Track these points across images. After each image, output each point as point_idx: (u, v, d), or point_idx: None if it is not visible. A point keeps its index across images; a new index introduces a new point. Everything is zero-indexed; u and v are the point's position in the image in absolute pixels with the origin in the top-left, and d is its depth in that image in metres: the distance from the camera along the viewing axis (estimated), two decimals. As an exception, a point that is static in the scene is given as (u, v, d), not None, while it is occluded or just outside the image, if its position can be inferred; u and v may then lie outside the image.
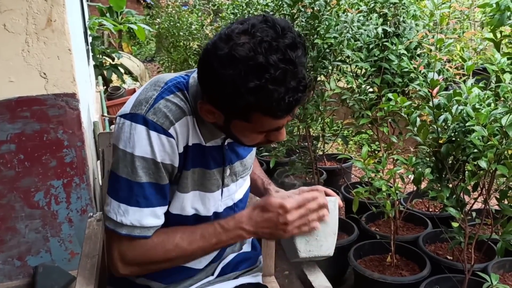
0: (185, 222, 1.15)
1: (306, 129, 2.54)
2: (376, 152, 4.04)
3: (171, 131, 1.04)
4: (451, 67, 2.20)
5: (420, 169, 1.83)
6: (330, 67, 2.46)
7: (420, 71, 2.08)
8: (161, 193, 1.08)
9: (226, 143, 1.16)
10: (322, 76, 2.58)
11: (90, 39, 4.94)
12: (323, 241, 1.17)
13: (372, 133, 2.62)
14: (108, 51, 5.55)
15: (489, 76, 2.05)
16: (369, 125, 2.43)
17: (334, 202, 1.18)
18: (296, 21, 2.32)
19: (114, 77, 5.72)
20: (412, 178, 2.13)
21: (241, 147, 1.22)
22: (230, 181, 1.21)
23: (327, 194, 1.21)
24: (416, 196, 2.89)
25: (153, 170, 1.04)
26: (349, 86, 2.51)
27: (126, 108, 1.07)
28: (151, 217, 1.07)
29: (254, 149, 1.33)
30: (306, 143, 2.86)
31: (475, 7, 3.36)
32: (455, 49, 2.21)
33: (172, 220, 1.14)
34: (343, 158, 3.28)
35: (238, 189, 1.26)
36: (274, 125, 0.99)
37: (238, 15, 3.35)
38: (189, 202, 1.14)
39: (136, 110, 1.04)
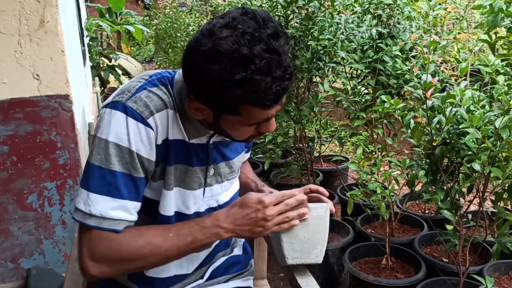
0: (168, 221, 1.13)
1: (301, 130, 2.53)
2: (373, 153, 4.03)
3: (150, 121, 1.02)
4: (446, 69, 2.20)
5: (414, 172, 1.82)
6: (325, 69, 2.45)
7: (414, 72, 2.07)
8: (134, 187, 1.03)
9: (211, 142, 1.14)
10: (317, 77, 2.57)
11: (87, 40, 4.93)
12: (311, 248, 1.16)
13: (367, 134, 2.61)
14: (106, 52, 5.54)
15: (480, 77, 2.05)
16: (364, 126, 2.42)
17: (326, 208, 1.16)
18: (291, 23, 2.31)
19: (111, 78, 5.70)
20: (401, 177, 2.13)
21: (227, 148, 1.20)
22: (214, 181, 1.19)
23: (319, 200, 1.20)
24: (412, 198, 2.89)
25: (127, 160, 1.01)
26: (344, 87, 2.50)
27: (109, 98, 1.07)
28: (121, 210, 1.01)
29: (243, 153, 1.31)
30: (301, 145, 2.85)
31: (470, 9, 3.35)
32: (452, 50, 2.20)
33: (160, 221, 1.12)
34: (339, 159, 3.27)
35: (223, 192, 1.24)
36: (263, 116, 0.99)
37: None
38: (172, 200, 1.12)
39: (117, 98, 1.04)
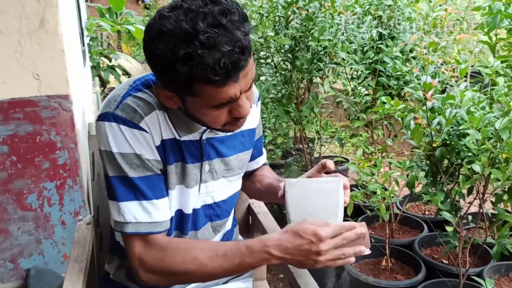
0: (174, 221, 1.14)
1: (301, 131, 2.53)
2: (373, 154, 4.03)
3: (142, 124, 1.03)
4: (446, 70, 2.19)
5: (414, 173, 1.82)
6: (326, 69, 2.45)
7: (414, 73, 2.07)
8: (155, 186, 1.06)
9: (204, 138, 1.14)
10: (317, 78, 2.57)
11: (87, 40, 4.93)
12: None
13: (368, 135, 2.61)
14: (106, 52, 5.54)
15: (481, 78, 2.04)
16: (365, 127, 2.42)
17: (338, 182, 1.08)
18: (291, 23, 2.31)
19: (111, 78, 5.70)
20: (400, 179, 2.13)
21: (222, 145, 1.18)
22: (210, 178, 1.18)
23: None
24: (412, 199, 2.88)
25: (137, 164, 1.03)
26: (344, 88, 2.50)
27: (99, 111, 1.08)
28: (153, 211, 1.05)
29: (245, 152, 1.28)
30: (301, 145, 2.85)
31: (469, 10, 3.35)
32: (452, 51, 2.20)
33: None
34: (339, 160, 3.27)
35: (220, 189, 1.22)
36: (222, 95, 0.94)
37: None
38: (175, 198, 1.13)
39: (105, 110, 1.04)
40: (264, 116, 2.44)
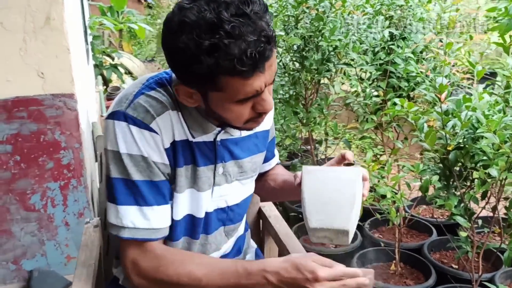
0: (182, 225, 1.11)
1: (309, 132, 2.49)
2: (378, 156, 4.00)
3: (153, 125, 0.99)
4: (458, 71, 2.16)
5: (427, 177, 1.78)
6: (334, 70, 2.41)
7: (427, 75, 2.03)
8: (158, 191, 1.02)
9: (219, 140, 1.10)
10: (325, 78, 2.53)
11: (90, 38, 4.89)
12: (337, 211, 1.00)
13: (376, 137, 2.57)
14: (108, 50, 5.50)
15: (497, 81, 2.00)
16: (373, 129, 2.38)
17: (357, 172, 1.03)
18: (300, 23, 2.26)
19: (114, 77, 5.66)
20: (418, 184, 2.09)
21: (236, 146, 1.15)
22: (224, 181, 1.14)
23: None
24: (420, 202, 2.85)
25: (143, 166, 1.00)
26: (353, 89, 2.46)
27: (110, 108, 1.04)
28: (153, 218, 1.02)
29: (258, 155, 1.24)
30: (309, 147, 2.81)
31: (477, 12, 3.32)
32: (459, 53, 2.16)
33: (175, 227, 1.09)
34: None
35: (233, 192, 1.19)
36: (248, 89, 0.90)
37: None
38: (185, 202, 1.09)
39: (117, 108, 1.01)
40: (273, 117, 2.40)
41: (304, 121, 2.42)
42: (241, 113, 0.97)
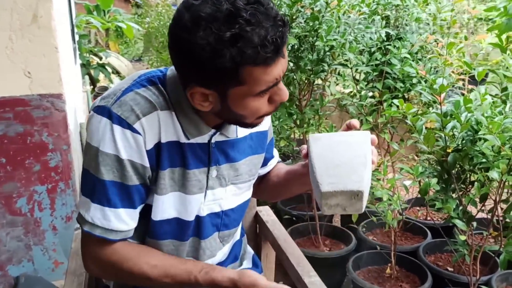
0: (167, 227, 1.07)
1: (303, 134, 2.45)
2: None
3: (137, 126, 0.95)
4: (453, 72, 2.13)
5: (427, 180, 1.75)
6: (329, 70, 2.37)
7: (422, 76, 2.01)
8: (126, 195, 0.99)
9: (213, 141, 1.06)
10: (319, 79, 2.49)
11: (77, 37, 4.80)
12: (350, 172, 0.94)
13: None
14: (96, 49, 5.41)
15: (493, 83, 1.99)
16: (369, 131, 2.35)
17: (366, 135, 1.00)
18: (295, 22, 2.22)
19: (101, 76, 5.57)
20: (412, 186, 2.06)
21: (232, 149, 1.10)
22: (218, 184, 1.10)
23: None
24: (414, 203, 2.83)
25: (116, 167, 0.96)
26: (347, 90, 2.43)
27: (97, 100, 1.01)
28: (113, 220, 0.99)
29: (254, 156, 1.18)
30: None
31: (471, 12, 3.31)
32: (458, 53, 2.14)
33: (157, 228, 1.06)
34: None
35: (228, 196, 1.14)
36: (270, 77, 0.89)
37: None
38: (169, 205, 1.05)
39: (103, 103, 0.97)
40: (268, 118, 2.35)
41: (299, 122, 2.38)
42: (259, 107, 0.95)
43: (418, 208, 2.93)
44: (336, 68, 2.36)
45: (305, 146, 1.05)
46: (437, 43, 2.18)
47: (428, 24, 2.20)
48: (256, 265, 1.34)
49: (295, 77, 2.26)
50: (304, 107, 2.39)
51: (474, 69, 1.94)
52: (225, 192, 1.12)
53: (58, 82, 2.13)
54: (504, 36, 2.00)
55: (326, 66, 2.27)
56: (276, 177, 1.30)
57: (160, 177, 1.01)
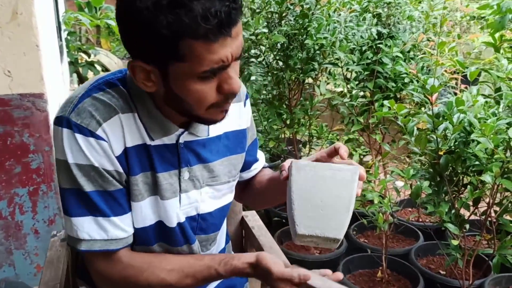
0: (149, 234, 1.02)
1: (293, 134, 2.40)
2: (362, 157, 3.93)
3: (99, 132, 0.89)
4: (446, 71, 2.09)
5: (418, 183, 1.70)
6: (319, 69, 2.32)
7: (414, 75, 1.96)
8: (113, 201, 0.94)
9: (182, 142, 0.99)
10: (310, 78, 2.43)
11: (65, 34, 4.72)
12: (330, 217, 0.89)
13: (362, 139, 2.49)
14: (84, 47, 5.33)
15: (487, 83, 1.95)
16: (360, 131, 2.30)
17: (354, 172, 0.92)
18: (284, 20, 2.17)
19: (90, 74, 5.49)
20: (404, 189, 2.02)
21: (204, 149, 1.03)
22: (191, 186, 1.03)
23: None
24: (406, 205, 2.78)
25: (94, 177, 0.91)
26: (338, 90, 2.38)
27: (56, 112, 0.94)
28: (110, 229, 0.94)
29: (232, 157, 1.11)
30: (292, 148, 2.72)
31: (463, 10, 3.27)
32: (450, 53, 2.10)
33: (139, 235, 1.00)
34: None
35: (205, 199, 1.07)
36: (214, 56, 0.80)
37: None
38: (148, 211, 0.99)
39: (61, 113, 0.91)
40: (256, 118, 2.30)
41: (288, 122, 2.33)
42: (204, 94, 0.86)
43: (410, 209, 2.89)
44: (326, 67, 2.31)
45: (286, 165, 0.97)
46: (430, 42, 2.14)
47: (421, 22, 2.15)
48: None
49: (284, 76, 2.21)
50: (294, 107, 2.33)
51: (467, 67, 1.90)
52: (200, 194, 1.06)
53: (40, 81, 2.06)
54: (497, 35, 1.96)
55: (316, 65, 2.22)
56: (259, 184, 1.23)
57: (133, 183, 0.95)
